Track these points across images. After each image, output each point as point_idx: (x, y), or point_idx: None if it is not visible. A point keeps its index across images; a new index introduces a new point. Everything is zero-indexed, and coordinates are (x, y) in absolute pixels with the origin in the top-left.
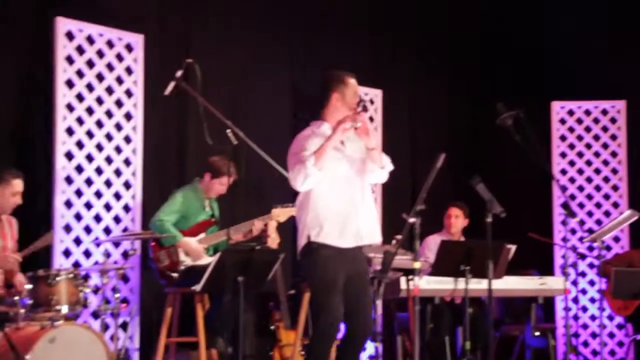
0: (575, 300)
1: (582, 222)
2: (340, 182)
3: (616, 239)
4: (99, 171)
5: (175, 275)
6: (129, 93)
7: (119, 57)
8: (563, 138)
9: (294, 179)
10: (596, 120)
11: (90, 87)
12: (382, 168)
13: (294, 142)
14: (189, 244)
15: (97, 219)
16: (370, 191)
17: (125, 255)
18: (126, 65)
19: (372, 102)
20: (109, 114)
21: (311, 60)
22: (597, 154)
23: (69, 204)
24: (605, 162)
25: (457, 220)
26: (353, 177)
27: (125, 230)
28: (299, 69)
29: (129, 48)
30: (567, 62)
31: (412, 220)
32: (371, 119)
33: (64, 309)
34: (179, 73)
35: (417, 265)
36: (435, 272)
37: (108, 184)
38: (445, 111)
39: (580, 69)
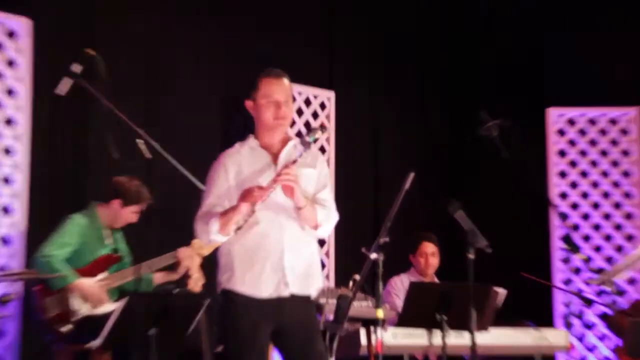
0: None
1: (588, 260)
2: (264, 224)
3: (631, 281)
4: None
5: (66, 327)
6: (10, 92)
7: None
8: (562, 153)
9: (198, 234)
10: (603, 132)
11: None
12: (316, 228)
13: (210, 171)
14: (85, 287)
15: None
16: (308, 231)
17: (1, 301)
18: (8, 57)
19: (322, 106)
20: None
21: (248, 57)
22: (605, 174)
23: None
24: (616, 184)
25: (432, 258)
26: (282, 221)
27: (1, 269)
28: (234, 69)
29: (12, 35)
30: (567, 61)
31: (373, 256)
32: (322, 127)
33: None
34: (76, 67)
35: (380, 313)
36: (404, 322)
37: None
38: (416, 119)
39: (583, 69)
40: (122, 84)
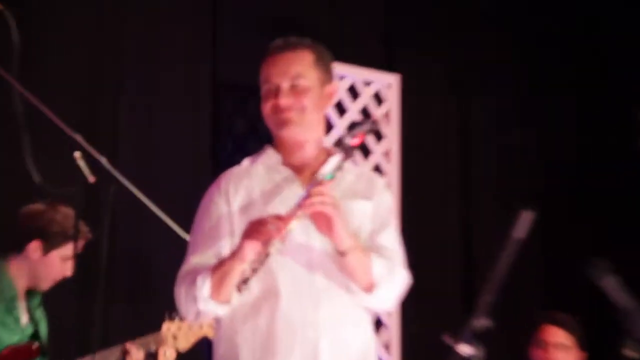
0: None
1: None
2: (286, 291)
3: None
4: None
5: None
6: None
7: None
8: None
9: (181, 307)
10: None
11: None
12: (370, 290)
13: (201, 204)
14: None
15: None
16: (358, 300)
17: None
18: None
19: (378, 99)
20: None
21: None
22: None
23: None
24: None
25: (556, 352)
26: (315, 286)
27: None
28: (226, 52)
29: None
30: None
31: (464, 350)
32: (376, 135)
33: None
34: None
35: None
36: None
37: None
38: (526, 117)
39: None
40: (53, 60)
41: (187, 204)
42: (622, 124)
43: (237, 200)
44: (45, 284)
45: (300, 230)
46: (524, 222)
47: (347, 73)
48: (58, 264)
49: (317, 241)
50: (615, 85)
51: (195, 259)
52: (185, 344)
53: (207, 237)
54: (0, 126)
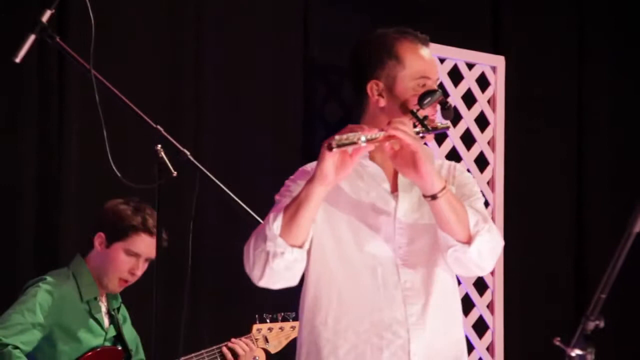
0: None
1: None
2: (367, 279)
3: None
4: None
5: None
6: None
7: None
8: None
9: (248, 262)
10: None
11: None
12: (468, 244)
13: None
14: None
15: None
16: (449, 293)
17: None
18: None
19: (483, 81)
20: None
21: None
22: None
23: None
24: None
25: None
26: (408, 267)
27: None
28: (318, 32)
29: None
30: None
31: (576, 353)
32: (444, 105)
33: None
34: (45, 15)
35: None
36: None
37: None
38: None
39: None
40: (131, 48)
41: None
42: None
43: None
44: (110, 282)
45: (400, 199)
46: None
47: (448, 55)
48: (122, 258)
49: (409, 207)
50: None
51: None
52: (277, 346)
53: (283, 192)
54: (80, 119)
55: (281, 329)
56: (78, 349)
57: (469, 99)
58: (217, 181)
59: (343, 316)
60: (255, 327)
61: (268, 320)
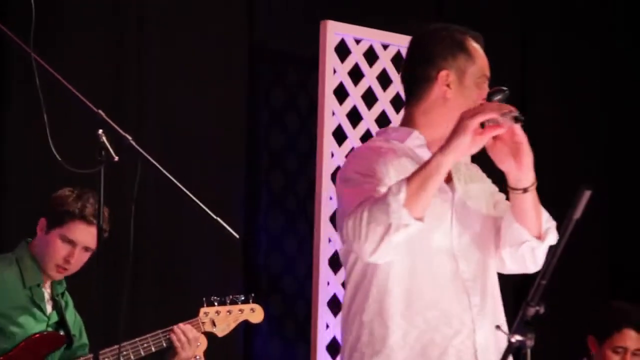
0: None
1: None
2: (434, 267)
3: None
4: None
5: None
6: None
7: None
8: None
9: (359, 236)
10: None
11: None
12: (541, 239)
13: (348, 164)
14: None
15: None
16: (496, 286)
17: None
18: None
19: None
20: None
21: None
22: None
23: None
24: None
25: (637, 358)
26: (464, 257)
27: None
28: (263, 16)
29: None
30: None
31: (516, 339)
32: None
33: None
34: None
35: None
36: None
37: None
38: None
39: None
40: (74, 32)
41: (219, 182)
42: None
43: (395, 167)
44: (47, 267)
45: (466, 193)
46: (581, 201)
47: (392, 42)
48: (58, 244)
49: (478, 205)
50: None
51: (368, 190)
52: (225, 329)
53: (373, 170)
54: (21, 104)
55: (229, 312)
56: (19, 334)
57: None
58: (159, 166)
59: (414, 302)
60: (203, 310)
61: (216, 304)
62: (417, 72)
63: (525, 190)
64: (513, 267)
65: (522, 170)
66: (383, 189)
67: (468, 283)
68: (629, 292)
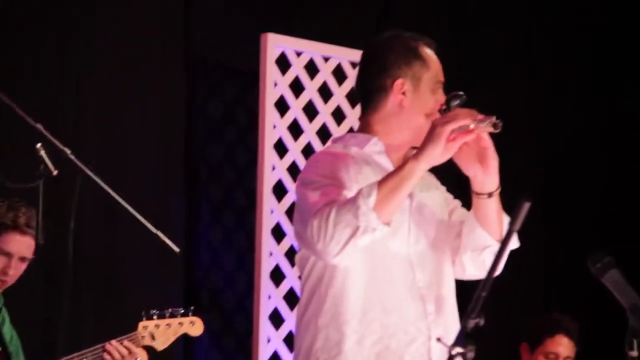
0: None
1: None
2: (392, 273)
3: None
4: None
5: None
6: None
7: None
8: None
9: (325, 236)
10: None
11: None
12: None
13: (309, 167)
14: None
15: None
16: (452, 292)
17: None
18: None
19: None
20: None
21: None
22: None
23: None
24: None
25: None
26: (420, 264)
27: None
28: (201, 29)
29: None
30: None
31: (456, 352)
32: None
33: None
34: None
35: None
36: None
37: None
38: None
39: None
40: (13, 45)
41: (158, 195)
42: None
43: (358, 172)
44: None
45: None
46: (521, 213)
47: (333, 54)
48: None
49: (434, 210)
50: None
51: (333, 192)
52: (164, 343)
53: (335, 174)
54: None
55: (168, 325)
56: None
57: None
58: (97, 179)
59: (370, 308)
60: (141, 324)
61: (155, 317)
62: (372, 82)
63: (490, 194)
64: (474, 272)
65: (488, 175)
66: (347, 193)
67: (423, 291)
68: (563, 303)
